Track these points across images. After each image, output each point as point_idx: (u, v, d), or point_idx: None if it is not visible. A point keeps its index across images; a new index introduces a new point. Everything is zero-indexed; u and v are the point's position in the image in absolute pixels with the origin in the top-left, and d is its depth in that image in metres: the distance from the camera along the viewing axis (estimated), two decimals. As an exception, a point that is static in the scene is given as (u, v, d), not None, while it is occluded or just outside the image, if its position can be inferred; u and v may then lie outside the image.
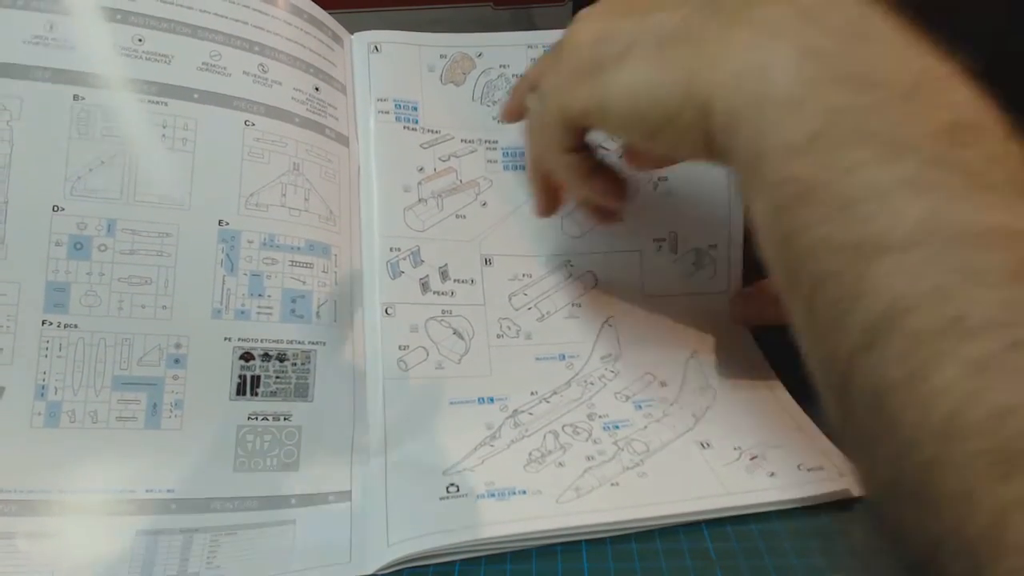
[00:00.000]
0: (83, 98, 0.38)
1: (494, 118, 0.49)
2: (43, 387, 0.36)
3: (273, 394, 0.39)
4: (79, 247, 0.37)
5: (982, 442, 0.18)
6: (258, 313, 0.39)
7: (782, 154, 0.24)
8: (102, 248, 0.37)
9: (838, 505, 0.38)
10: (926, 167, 0.21)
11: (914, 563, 0.20)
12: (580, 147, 0.36)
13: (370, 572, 0.35)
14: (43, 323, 0.36)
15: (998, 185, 0.21)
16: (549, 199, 0.42)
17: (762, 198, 0.25)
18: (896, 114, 0.22)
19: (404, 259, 0.44)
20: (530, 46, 0.49)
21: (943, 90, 0.23)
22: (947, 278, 0.20)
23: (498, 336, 0.46)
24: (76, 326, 0.36)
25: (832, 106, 0.23)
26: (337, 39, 0.47)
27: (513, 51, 0.49)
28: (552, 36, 0.49)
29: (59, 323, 0.36)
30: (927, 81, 0.23)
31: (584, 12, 0.33)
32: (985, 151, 0.22)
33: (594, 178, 0.37)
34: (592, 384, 0.46)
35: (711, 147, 0.27)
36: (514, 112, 0.43)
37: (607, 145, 0.43)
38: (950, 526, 0.19)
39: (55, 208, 0.37)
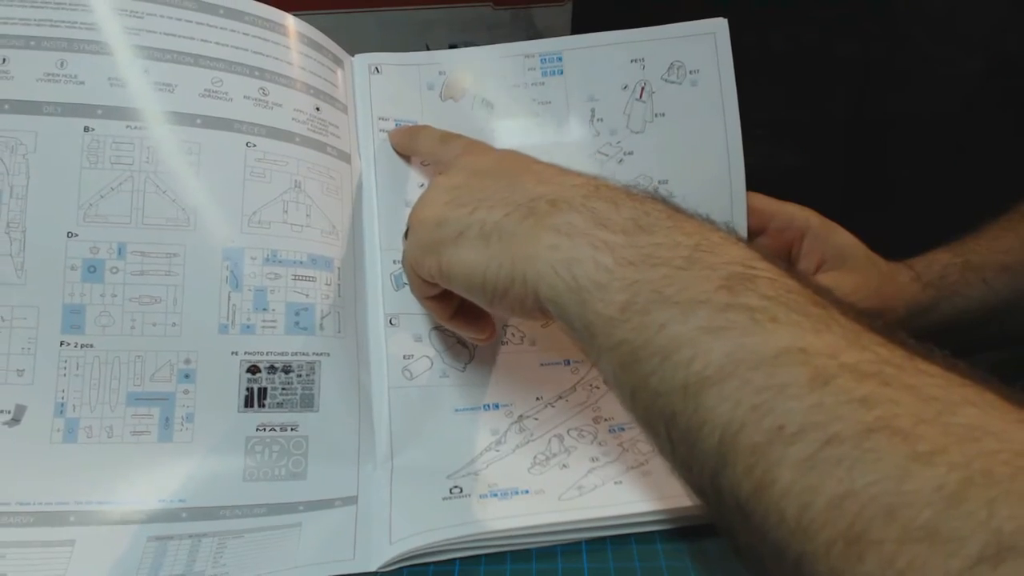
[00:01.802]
0: (93, 129, 0.40)
1: (493, 130, 0.50)
2: (62, 405, 0.38)
3: (280, 405, 0.40)
4: (92, 270, 0.39)
5: (832, 531, 0.21)
6: (263, 327, 0.40)
7: (606, 324, 0.28)
8: (114, 270, 0.39)
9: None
10: (716, 314, 0.26)
11: None
12: (438, 295, 0.40)
13: (372, 569, 0.36)
14: (61, 344, 0.38)
15: (777, 315, 0.25)
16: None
17: (604, 361, 0.29)
18: (681, 281, 0.27)
19: (407, 272, 0.46)
20: (527, 56, 0.50)
21: (712, 257, 0.28)
22: (760, 397, 0.23)
23: (502, 343, 0.47)
24: (92, 346, 0.38)
25: (631, 281, 0.28)
26: (338, 61, 0.48)
27: (510, 62, 0.50)
28: (546, 45, 0.50)
29: (76, 343, 0.38)
30: (697, 254, 0.28)
31: (427, 196, 0.39)
32: (759, 293, 0.26)
33: (455, 318, 0.42)
34: (597, 388, 0.46)
35: (546, 315, 0.32)
36: (401, 144, 0.48)
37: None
38: None
39: (69, 234, 0.39)
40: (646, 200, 0.32)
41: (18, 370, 0.37)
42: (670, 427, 0.26)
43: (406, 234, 0.40)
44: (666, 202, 0.33)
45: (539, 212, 0.33)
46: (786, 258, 0.49)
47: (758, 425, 0.23)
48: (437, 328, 0.45)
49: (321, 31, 0.47)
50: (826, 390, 0.22)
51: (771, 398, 0.23)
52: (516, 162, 0.39)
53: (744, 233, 0.49)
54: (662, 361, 0.26)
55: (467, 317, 0.42)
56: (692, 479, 0.26)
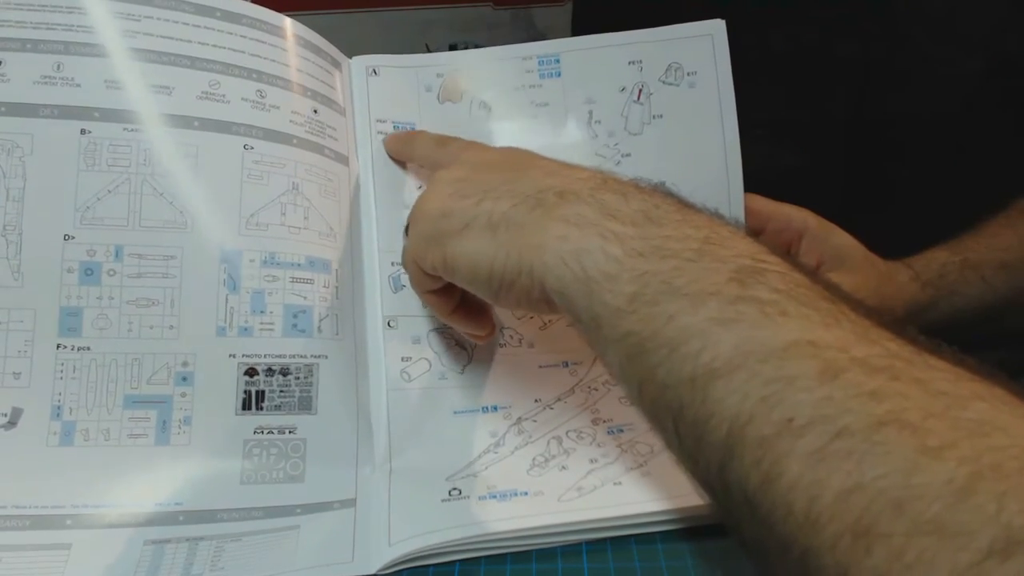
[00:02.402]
0: (90, 132, 0.40)
1: (492, 132, 0.49)
2: (59, 408, 0.38)
3: (278, 408, 0.40)
4: (89, 273, 0.39)
5: (839, 524, 0.21)
6: (260, 329, 0.40)
7: (613, 315, 0.28)
8: (111, 273, 0.39)
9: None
10: (726, 306, 0.26)
11: None
12: (440, 289, 0.40)
13: (372, 571, 0.36)
14: (58, 347, 0.38)
15: (787, 309, 0.25)
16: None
17: (610, 354, 0.29)
18: (691, 273, 0.27)
19: (405, 273, 0.45)
20: (525, 58, 0.50)
21: (722, 250, 0.28)
22: (769, 389, 0.23)
23: (501, 345, 0.46)
24: (89, 348, 0.38)
25: (640, 272, 0.28)
26: (336, 64, 0.48)
27: (508, 64, 0.50)
28: (546, 48, 0.50)
29: (73, 346, 0.38)
30: (707, 247, 0.28)
31: (430, 189, 0.38)
32: (769, 286, 0.26)
33: (455, 314, 0.42)
34: (596, 390, 0.46)
35: (552, 307, 0.32)
36: (396, 150, 0.48)
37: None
38: None
39: (66, 237, 0.39)
40: (655, 193, 0.32)
41: (14, 373, 0.37)
42: (677, 420, 0.26)
43: (407, 230, 0.39)
44: (674, 196, 0.33)
45: (547, 203, 0.32)
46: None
47: (767, 417, 0.23)
48: (436, 330, 0.45)
49: (321, 31, 0.47)
50: (836, 383, 0.22)
51: (780, 390, 0.23)
52: (521, 156, 0.39)
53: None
54: (670, 353, 0.26)
55: (468, 313, 0.42)
56: (699, 472, 0.26)
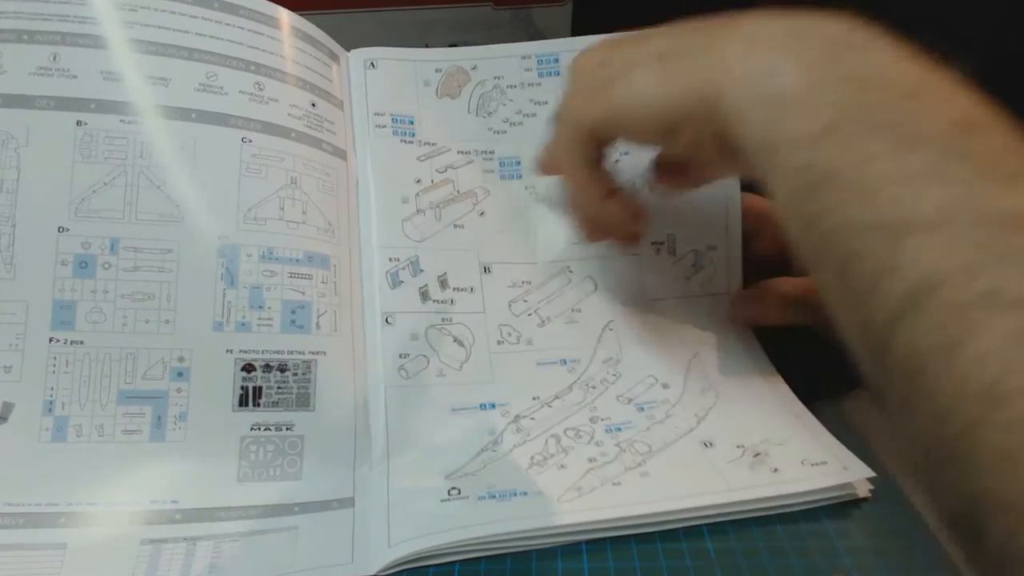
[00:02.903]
0: (86, 123, 0.39)
1: (490, 129, 0.49)
2: (51, 403, 0.37)
3: (275, 404, 0.39)
4: (84, 266, 0.38)
5: (1022, 408, 0.19)
6: (258, 325, 0.40)
7: (796, 144, 0.26)
8: (106, 266, 0.38)
9: (837, 507, 0.38)
10: (940, 158, 0.23)
11: (952, 519, 0.21)
12: (596, 164, 0.38)
13: (372, 573, 0.36)
14: (50, 340, 0.37)
15: (1014, 174, 0.23)
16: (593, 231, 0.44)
17: (781, 185, 0.27)
18: (903, 110, 0.24)
19: (403, 269, 0.45)
20: (524, 56, 0.50)
21: (943, 91, 0.25)
22: (975, 256, 0.21)
23: (499, 343, 0.46)
24: (82, 342, 0.38)
25: (840, 102, 0.25)
26: (333, 56, 0.48)
27: (507, 62, 0.50)
28: (546, 47, 0.50)
29: (66, 340, 0.37)
30: (926, 84, 0.25)
31: (581, 52, 0.36)
32: (994, 144, 0.23)
33: (609, 200, 0.40)
34: (594, 388, 0.46)
35: (724, 141, 0.29)
36: (547, 165, 0.46)
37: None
38: (990, 485, 0.20)
39: (60, 229, 0.38)
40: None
41: (5, 367, 0.37)
42: (850, 264, 0.24)
43: (557, 114, 0.38)
44: None
45: (719, 29, 0.30)
46: (782, 259, 0.49)
47: (967, 284, 0.21)
48: (434, 327, 0.45)
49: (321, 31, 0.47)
50: None
51: (988, 260, 0.21)
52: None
53: (739, 235, 0.49)
54: (859, 195, 0.24)
55: (621, 199, 0.40)
56: (853, 319, 0.25)
